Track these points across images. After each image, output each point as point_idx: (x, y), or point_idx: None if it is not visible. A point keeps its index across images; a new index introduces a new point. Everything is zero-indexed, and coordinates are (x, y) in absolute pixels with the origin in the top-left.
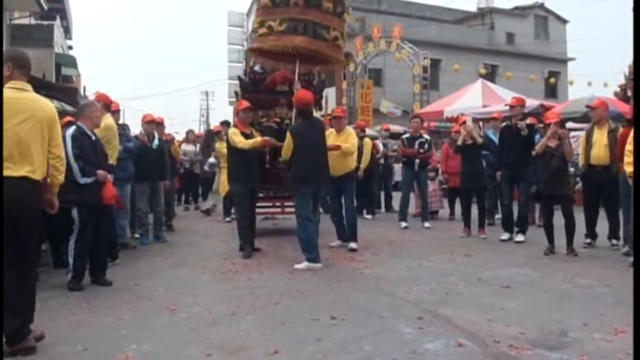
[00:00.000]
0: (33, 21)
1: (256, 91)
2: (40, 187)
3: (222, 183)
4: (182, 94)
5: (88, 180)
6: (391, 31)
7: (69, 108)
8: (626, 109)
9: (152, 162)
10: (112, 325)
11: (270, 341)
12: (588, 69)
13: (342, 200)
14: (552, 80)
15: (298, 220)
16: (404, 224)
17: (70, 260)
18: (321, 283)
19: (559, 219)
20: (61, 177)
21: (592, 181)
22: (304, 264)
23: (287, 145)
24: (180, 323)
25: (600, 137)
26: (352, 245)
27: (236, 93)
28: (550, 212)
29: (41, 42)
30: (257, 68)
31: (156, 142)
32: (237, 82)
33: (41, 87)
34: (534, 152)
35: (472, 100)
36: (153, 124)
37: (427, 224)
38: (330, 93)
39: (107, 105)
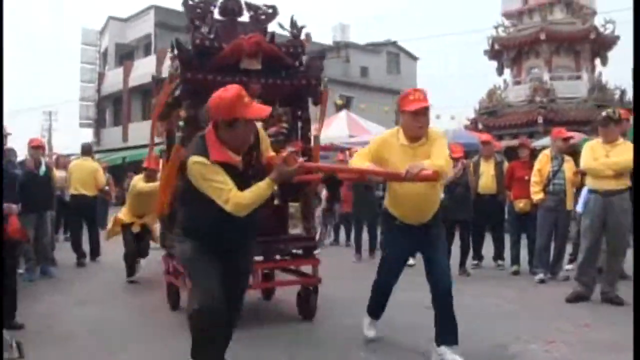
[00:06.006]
0: None
1: (205, 69)
2: None
3: (112, 222)
4: (23, 115)
5: None
6: None
7: None
8: (482, 137)
9: (39, 190)
10: None
11: None
12: (435, 103)
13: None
14: None
15: None
16: None
17: None
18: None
19: None
20: None
21: (480, 208)
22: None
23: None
24: None
25: (488, 169)
26: None
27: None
28: (452, 236)
29: None
30: (203, 30)
31: (43, 168)
32: (89, 104)
33: None
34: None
35: (339, 130)
36: (40, 149)
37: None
38: None
39: None
